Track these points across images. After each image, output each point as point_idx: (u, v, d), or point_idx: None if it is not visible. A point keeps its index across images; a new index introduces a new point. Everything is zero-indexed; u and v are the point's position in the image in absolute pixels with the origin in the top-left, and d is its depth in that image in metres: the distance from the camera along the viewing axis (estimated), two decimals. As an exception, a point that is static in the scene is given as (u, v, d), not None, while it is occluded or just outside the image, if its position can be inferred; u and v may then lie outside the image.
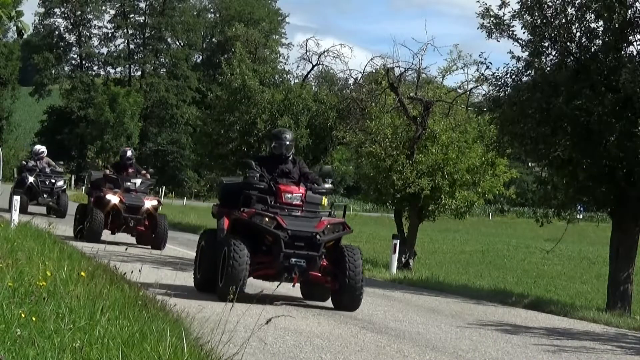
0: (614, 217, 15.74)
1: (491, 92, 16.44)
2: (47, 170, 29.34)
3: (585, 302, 16.59)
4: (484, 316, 13.39)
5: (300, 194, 12.41)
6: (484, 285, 18.69)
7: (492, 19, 15.73)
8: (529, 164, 18.69)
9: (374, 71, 25.83)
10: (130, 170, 21.27)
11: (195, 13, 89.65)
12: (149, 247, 20.39)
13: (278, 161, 12.79)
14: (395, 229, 23.21)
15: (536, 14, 15.31)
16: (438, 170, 21.40)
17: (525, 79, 15.68)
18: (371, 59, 26.09)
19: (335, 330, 10.22)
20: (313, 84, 30.66)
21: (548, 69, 15.44)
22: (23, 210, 24.10)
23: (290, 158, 12.91)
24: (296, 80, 30.54)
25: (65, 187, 30.17)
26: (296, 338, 9.27)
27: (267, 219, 11.98)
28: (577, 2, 15.12)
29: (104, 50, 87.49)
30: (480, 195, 22.32)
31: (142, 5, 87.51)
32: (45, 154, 30.34)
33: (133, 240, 21.07)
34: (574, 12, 15.20)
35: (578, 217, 23.83)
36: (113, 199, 20.29)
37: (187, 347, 6.37)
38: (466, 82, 23.53)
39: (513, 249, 33.83)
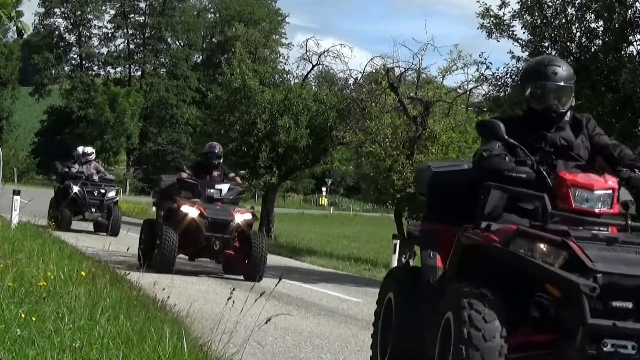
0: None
1: (491, 92, 16.45)
2: (96, 177, 23.89)
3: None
4: (484, 316, 13.37)
5: (610, 191, 5.75)
6: (484, 285, 18.68)
7: (492, 19, 15.75)
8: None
9: (374, 71, 25.88)
10: (215, 173, 15.75)
11: (195, 13, 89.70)
12: (241, 277, 15.22)
13: (545, 123, 6.13)
14: (395, 229, 23.23)
15: (536, 14, 15.33)
16: (438, 170, 21.39)
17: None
18: (371, 59, 26.15)
19: (335, 330, 10.22)
20: (313, 84, 30.73)
21: (548, 69, 15.43)
22: (66, 226, 21.98)
23: (566, 117, 6.16)
24: (296, 80, 30.61)
25: (117, 198, 24.57)
26: (296, 338, 9.27)
27: (543, 248, 5.46)
28: (577, 2, 15.15)
29: (104, 50, 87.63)
30: (480, 195, 22.32)
31: (142, 5, 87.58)
32: (94, 157, 24.99)
33: (219, 267, 16.18)
34: (574, 12, 15.22)
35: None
36: (190, 211, 14.86)
37: (187, 347, 6.37)
38: (466, 82, 23.61)
39: (513, 249, 33.77)
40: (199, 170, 15.80)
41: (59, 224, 21.66)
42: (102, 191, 23.50)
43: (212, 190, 15.38)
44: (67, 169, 24.22)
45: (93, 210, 23.28)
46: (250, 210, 15.55)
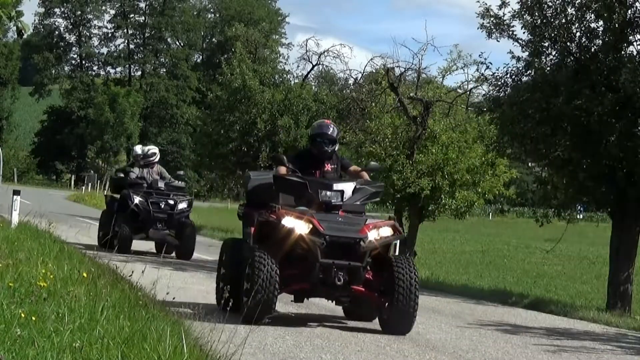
0: (614, 217, 15.75)
1: (491, 92, 16.44)
2: (161, 184, 18.91)
3: (585, 302, 16.60)
4: (484, 316, 13.40)
5: None
6: (484, 285, 18.71)
7: (492, 19, 15.74)
8: (529, 164, 18.70)
9: (374, 71, 25.84)
10: (328, 166, 10.70)
11: (195, 13, 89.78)
12: (376, 325, 10.45)
13: None
14: (395, 229, 23.16)
15: (536, 14, 15.32)
16: (438, 170, 21.40)
17: (525, 79, 15.69)
18: (371, 59, 26.10)
19: (335, 330, 10.22)
20: (313, 84, 30.74)
21: (548, 69, 15.46)
22: (124, 247, 17.30)
23: None
24: (296, 80, 30.62)
25: (190, 210, 19.28)
26: (296, 338, 9.27)
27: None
28: (577, 2, 15.13)
29: (104, 50, 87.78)
30: (480, 195, 22.34)
31: (142, 5, 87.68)
32: (157, 159, 19.58)
33: (337, 310, 11.23)
34: (574, 12, 15.20)
35: (578, 217, 23.83)
36: (297, 226, 9.76)
37: (187, 347, 6.37)
38: (466, 82, 23.56)
39: (513, 249, 33.83)
40: (305, 162, 10.68)
41: (115, 243, 16.80)
42: (171, 202, 18.67)
43: (329, 193, 10.20)
44: (122, 174, 19.61)
45: (160, 226, 18.51)
46: (389, 223, 10.21)
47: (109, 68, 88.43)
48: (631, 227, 15.37)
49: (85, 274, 9.17)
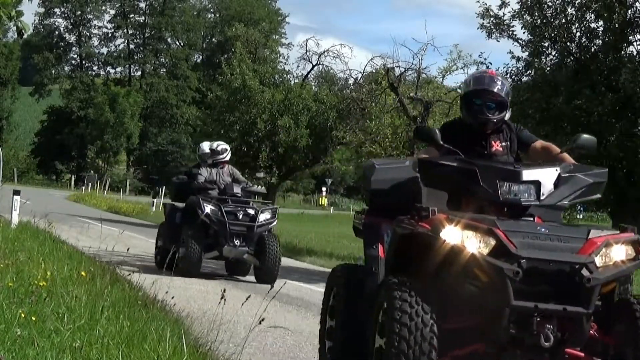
0: (614, 217, 15.76)
1: (491, 92, 16.45)
2: (236, 189, 15.09)
3: (585, 302, 16.57)
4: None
5: None
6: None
7: (492, 19, 15.77)
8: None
9: (374, 71, 25.90)
10: (497, 144, 6.23)
11: (195, 13, 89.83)
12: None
13: None
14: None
15: (536, 14, 15.35)
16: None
17: (525, 79, 15.72)
18: (371, 59, 26.16)
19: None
20: (313, 84, 30.78)
21: (548, 69, 15.47)
22: (192, 268, 14.23)
23: None
24: (296, 80, 30.65)
25: (274, 222, 15.12)
26: (296, 338, 9.27)
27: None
28: (577, 2, 15.16)
29: (104, 50, 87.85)
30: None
31: (142, 5, 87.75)
32: (229, 157, 15.61)
33: None
34: (574, 12, 15.24)
35: (578, 217, 23.81)
36: (468, 242, 5.32)
37: (187, 347, 6.37)
38: (466, 82, 23.62)
39: (513, 249, 33.81)
40: (459, 138, 6.19)
41: (179, 263, 12.95)
42: (251, 212, 14.78)
43: (515, 187, 5.81)
44: (185, 176, 15.86)
45: (237, 242, 14.59)
46: (629, 237, 5.68)
47: (109, 68, 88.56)
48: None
49: (84, 274, 9.17)
